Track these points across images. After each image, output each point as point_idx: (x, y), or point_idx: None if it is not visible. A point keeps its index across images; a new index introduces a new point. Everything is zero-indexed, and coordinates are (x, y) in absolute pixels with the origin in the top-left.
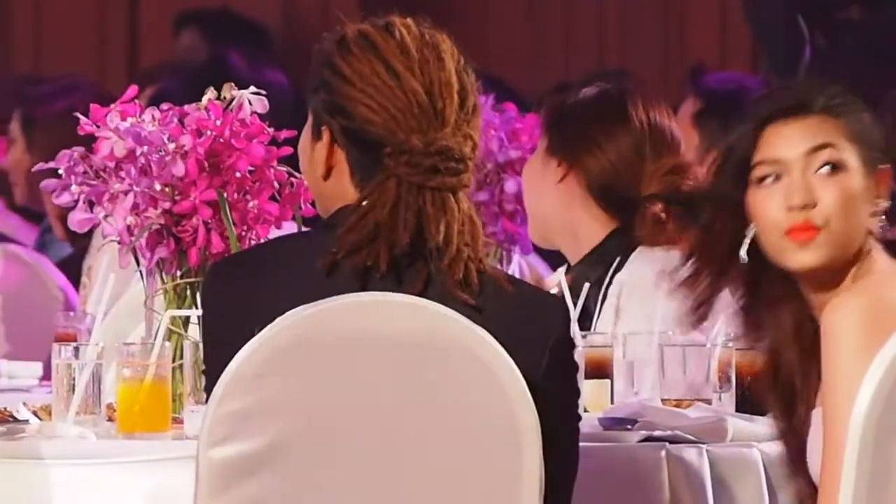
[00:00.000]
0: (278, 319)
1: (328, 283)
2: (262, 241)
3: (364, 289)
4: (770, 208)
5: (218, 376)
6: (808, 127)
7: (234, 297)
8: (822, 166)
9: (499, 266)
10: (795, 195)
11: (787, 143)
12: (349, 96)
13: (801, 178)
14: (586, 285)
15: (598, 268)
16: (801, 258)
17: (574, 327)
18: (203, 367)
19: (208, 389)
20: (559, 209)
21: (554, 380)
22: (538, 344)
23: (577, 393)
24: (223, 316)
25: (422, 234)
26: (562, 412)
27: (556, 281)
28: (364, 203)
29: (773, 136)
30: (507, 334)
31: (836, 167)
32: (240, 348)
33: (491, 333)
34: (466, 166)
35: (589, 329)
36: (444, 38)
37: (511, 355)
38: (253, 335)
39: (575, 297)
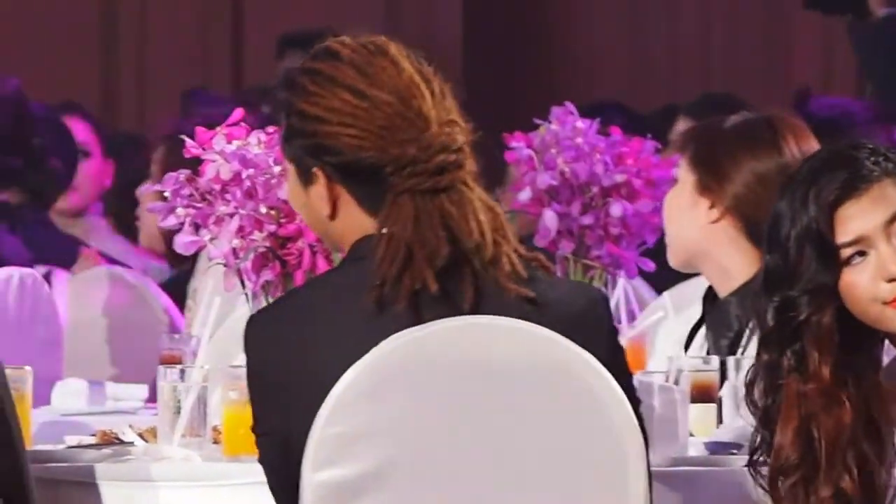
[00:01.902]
0: (381, 344)
1: (380, 318)
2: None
3: (418, 313)
4: (865, 284)
5: (274, 437)
6: (877, 197)
7: (284, 349)
8: None
9: (604, 289)
10: (891, 267)
11: (863, 219)
12: (329, 134)
13: (888, 249)
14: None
15: (748, 301)
16: None
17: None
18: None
19: (265, 458)
20: (710, 246)
21: (615, 366)
22: (597, 333)
23: (631, 375)
24: (274, 370)
25: (455, 239)
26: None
27: (661, 307)
28: (384, 231)
29: (846, 216)
30: (570, 326)
31: None
32: (297, 403)
33: (557, 326)
34: (465, 152)
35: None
36: (384, 41)
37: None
38: (310, 388)
39: (724, 328)
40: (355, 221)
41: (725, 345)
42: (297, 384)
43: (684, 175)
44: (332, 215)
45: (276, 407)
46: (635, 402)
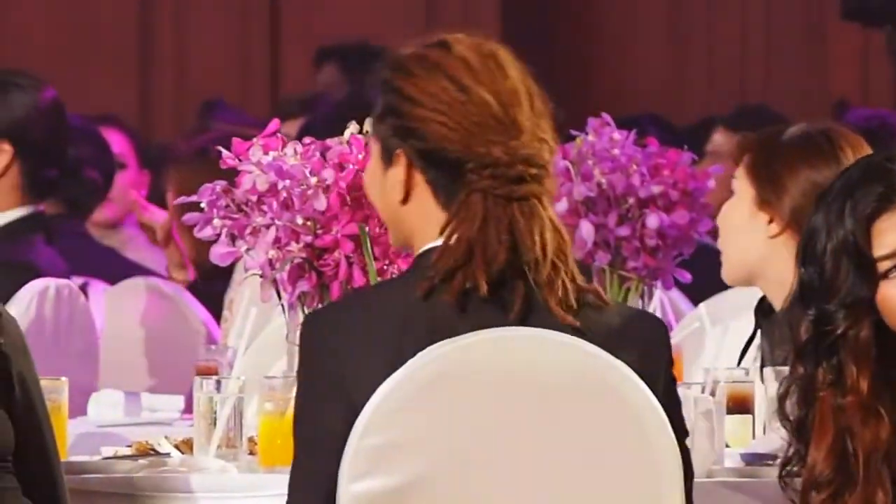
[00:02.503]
0: (420, 354)
1: (427, 311)
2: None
3: (464, 311)
4: None
5: (317, 435)
6: None
7: (333, 351)
8: None
9: (640, 302)
10: None
11: None
12: (421, 117)
13: None
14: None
15: None
16: None
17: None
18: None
19: (301, 456)
20: (770, 261)
21: (669, 399)
22: (654, 366)
23: (681, 405)
24: (322, 370)
25: (516, 249)
26: (676, 429)
27: (697, 317)
28: (446, 236)
29: (883, 229)
30: (624, 358)
31: None
32: (342, 405)
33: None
34: (548, 172)
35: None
36: (499, 47)
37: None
38: (354, 390)
39: (781, 341)
40: (426, 211)
41: (782, 357)
42: (344, 385)
43: (742, 189)
44: (405, 200)
45: (324, 405)
46: (683, 433)
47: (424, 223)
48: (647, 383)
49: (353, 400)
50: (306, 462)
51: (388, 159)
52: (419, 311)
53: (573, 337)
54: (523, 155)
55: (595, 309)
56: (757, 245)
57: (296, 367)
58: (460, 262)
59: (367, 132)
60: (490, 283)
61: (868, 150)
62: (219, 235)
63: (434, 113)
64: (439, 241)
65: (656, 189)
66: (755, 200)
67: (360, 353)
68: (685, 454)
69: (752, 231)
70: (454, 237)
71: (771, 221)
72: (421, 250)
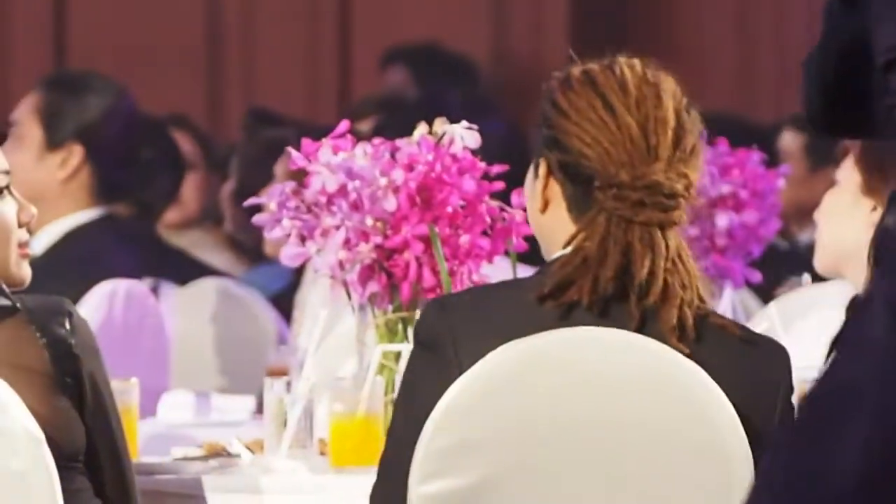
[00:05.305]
0: (490, 354)
1: (535, 317)
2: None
3: (568, 324)
4: None
5: (416, 398)
6: None
7: (445, 329)
8: None
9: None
10: None
11: None
12: (565, 130)
13: None
14: None
15: None
16: None
17: None
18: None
19: (402, 437)
20: (865, 250)
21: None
22: (771, 395)
23: None
24: (436, 340)
25: (629, 270)
26: None
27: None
28: (572, 247)
29: None
30: (731, 385)
31: None
32: (440, 380)
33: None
34: (677, 203)
35: None
36: (666, 78)
37: (739, 406)
38: (459, 367)
39: None
40: (560, 222)
41: None
42: (454, 359)
43: (847, 177)
44: (543, 209)
45: (428, 374)
46: None
47: (558, 234)
48: (760, 411)
49: (454, 377)
50: (403, 431)
51: (535, 168)
52: (530, 317)
53: (641, 336)
54: (649, 181)
55: (718, 341)
56: (855, 231)
57: (365, 368)
58: (573, 277)
59: (435, 133)
60: (595, 301)
61: None
62: (288, 236)
63: (577, 128)
64: (566, 251)
65: (726, 189)
66: (861, 187)
67: (474, 345)
68: None
69: (853, 217)
70: (575, 252)
71: (875, 209)
72: (550, 259)
